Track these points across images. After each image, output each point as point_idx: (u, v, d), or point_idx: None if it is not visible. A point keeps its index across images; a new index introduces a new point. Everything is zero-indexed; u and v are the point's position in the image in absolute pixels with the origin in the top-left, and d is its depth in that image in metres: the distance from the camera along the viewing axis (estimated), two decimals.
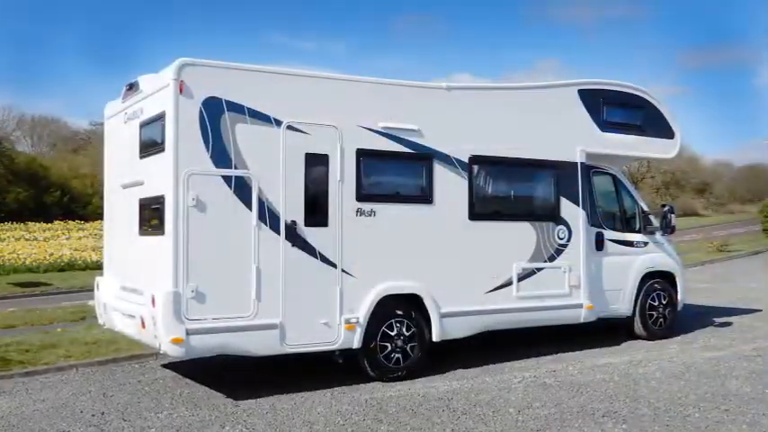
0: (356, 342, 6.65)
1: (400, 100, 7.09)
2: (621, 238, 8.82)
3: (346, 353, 6.77)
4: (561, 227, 8.09)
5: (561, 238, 8.05)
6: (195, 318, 5.89)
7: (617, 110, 8.72)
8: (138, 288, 6.47)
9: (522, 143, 7.90)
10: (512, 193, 8.17)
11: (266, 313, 6.22)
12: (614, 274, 8.59)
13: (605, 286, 8.49)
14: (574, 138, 8.34)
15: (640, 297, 8.83)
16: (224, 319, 6.05)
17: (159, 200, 6.11)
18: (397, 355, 6.89)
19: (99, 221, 33.13)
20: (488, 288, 7.49)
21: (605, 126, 8.60)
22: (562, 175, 8.17)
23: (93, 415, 5.83)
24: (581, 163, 8.31)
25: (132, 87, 6.99)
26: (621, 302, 8.71)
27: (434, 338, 7.11)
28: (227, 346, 6.14)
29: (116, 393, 6.51)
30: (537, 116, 8.00)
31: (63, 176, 42.44)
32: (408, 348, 6.95)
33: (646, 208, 9.20)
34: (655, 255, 9.13)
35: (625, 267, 8.80)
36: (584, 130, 8.43)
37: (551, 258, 7.96)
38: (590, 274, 8.24)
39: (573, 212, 8.23)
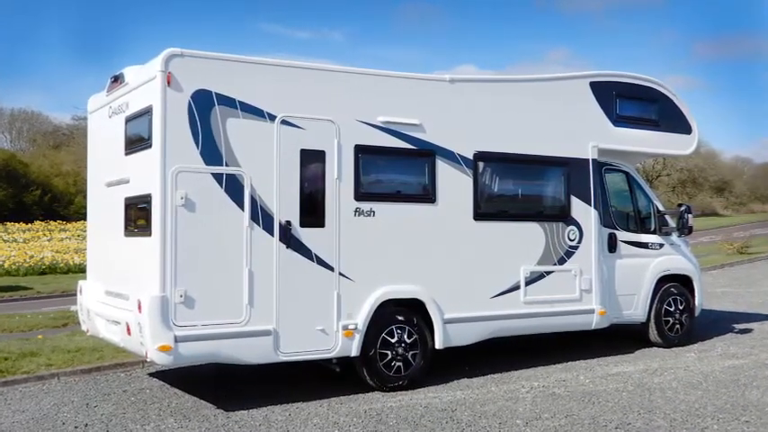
0: (354, 349, 6.65)
1: (401, 93, 7.09)
2: (635, 240, 8.83)
3: (344, 361, 6.76)
4: (572, 227, 8.09)
5: (572, 240, 8.06)
6: (184, 324, 5.88)
7: (631, 103, 8.73)
8: (123, 292, 6.46)
9: (531, 139, 7.89)
10: (519, 191, 8.19)
11: (259, 319, 6.21)
12: (628, 278, 8.60)
13: (618, 290, 8.50)
14: (585, 133, 8.35)
15: (655, 302, 8.84)
16: (214, 325, 6.04)
17: (146, 199, 6.11)
18: (397, 364, 6.88)
19: (82, 222, 33.19)
20: (494, 292, 7.51)
21: (618, 121, 8.62)
22: (573, 172, 8.18)
23: (75, 427, 5.83)
24: (593, 160, 8.31)
25: (117, 80, 6.99)
26: (635, 308, 8.71)
27: (437, 346, 7.11)
28: (217, 354, 6.13)
29: (100, 404, 6.51)
30: (546, 110, 8.00)
31: (44, 174, 42.49)
32: (410, 356, 6.95)
33: (661, 207, 9.20)
34: (671, 257, 9.14)
35: (639, 270, 8.81)
36: (596, 124, 8.44)
37: (561, 261, 7.95)
38: (602, 277, 8.24)
39: (584, 212, 8.23)
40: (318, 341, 6.49)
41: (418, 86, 7.23)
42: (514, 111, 7.80)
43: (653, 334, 8.86)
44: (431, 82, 7.35)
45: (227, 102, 6.25)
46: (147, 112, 6.21)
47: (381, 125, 6.95)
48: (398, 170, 7.30)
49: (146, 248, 6.10)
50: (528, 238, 7.81)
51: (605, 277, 8.29)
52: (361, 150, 6.86)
